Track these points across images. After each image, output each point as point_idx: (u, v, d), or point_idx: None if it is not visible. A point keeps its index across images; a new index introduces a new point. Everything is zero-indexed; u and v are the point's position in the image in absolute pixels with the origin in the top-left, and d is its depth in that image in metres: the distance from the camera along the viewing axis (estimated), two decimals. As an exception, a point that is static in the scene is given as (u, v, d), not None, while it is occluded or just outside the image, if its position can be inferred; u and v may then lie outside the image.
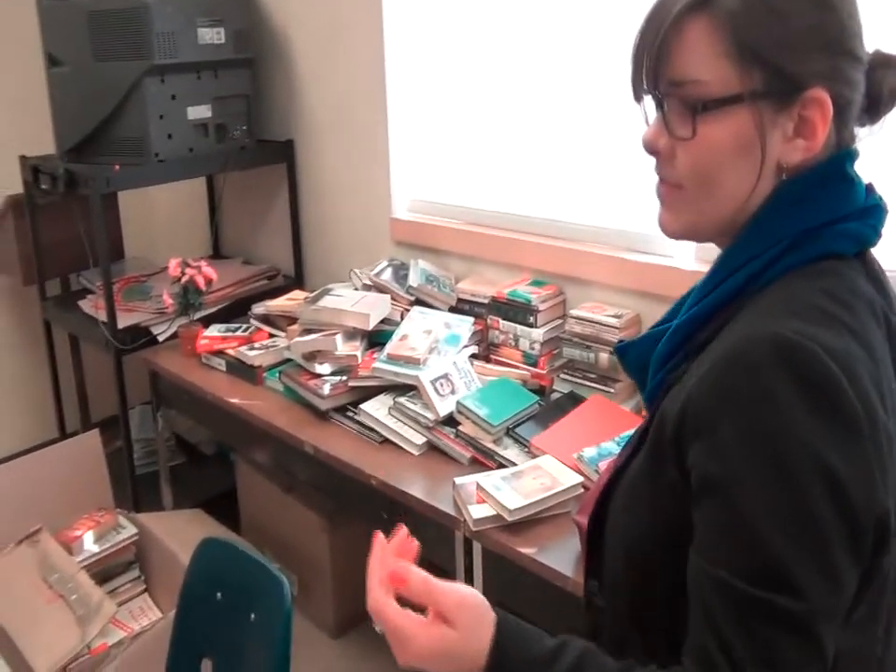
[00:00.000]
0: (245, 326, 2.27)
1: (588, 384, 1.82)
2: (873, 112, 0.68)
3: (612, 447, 1.55)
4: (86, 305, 2.58)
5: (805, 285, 0.66)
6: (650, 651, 0.71)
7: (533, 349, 1.91)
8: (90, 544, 2.08)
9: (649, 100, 0.70)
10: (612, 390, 1.78)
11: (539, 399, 1.76)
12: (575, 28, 1.92)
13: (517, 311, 1.93)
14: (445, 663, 0.66)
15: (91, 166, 2.28)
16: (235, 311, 2.47)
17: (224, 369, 2.17)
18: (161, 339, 2.38)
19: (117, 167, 2.26)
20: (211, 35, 2.35)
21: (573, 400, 1.79)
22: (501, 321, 1.96)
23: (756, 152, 0.66)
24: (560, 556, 1.37)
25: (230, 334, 2.23)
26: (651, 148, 0.71)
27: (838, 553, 0.58)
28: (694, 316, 0.71)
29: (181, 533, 2.26)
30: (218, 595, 1.35)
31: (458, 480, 1.53)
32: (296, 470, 1.90)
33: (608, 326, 1.77)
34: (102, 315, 2.38)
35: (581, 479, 1.47)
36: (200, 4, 2.29)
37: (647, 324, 1.80)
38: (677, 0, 0.65)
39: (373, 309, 1.97)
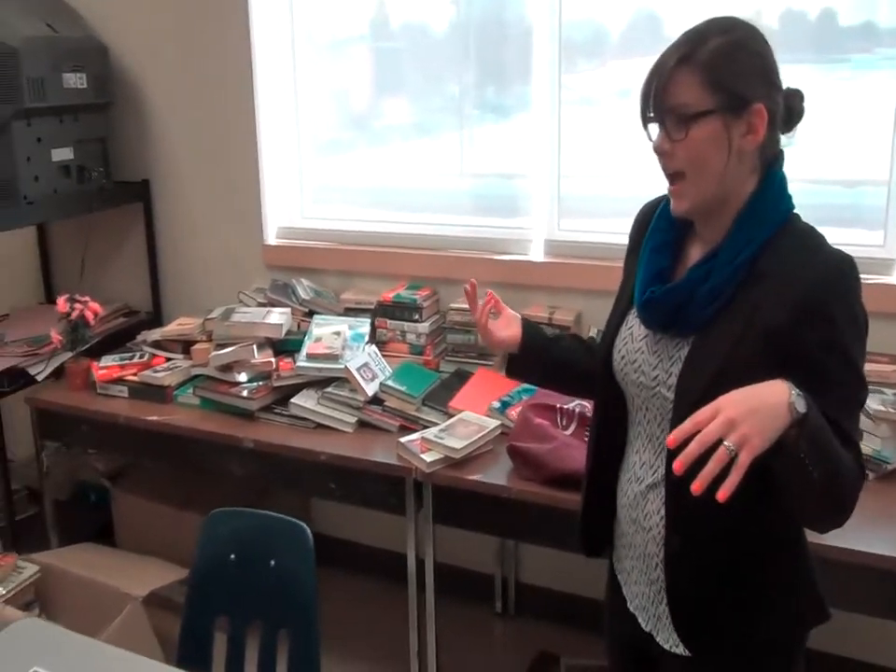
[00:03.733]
0: (139, 353, 2.40)
1: (469, 361, 2.26)
2: (788, 123, 1.15)
3: (509, 399, 2.01)
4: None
5: (805, 226, 1.10)
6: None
7: (419, 340, 2.30)
8: (-6, 587, 2.08)
9: (651, 125, 1.10)
10: (491, 363, 2.23)
11: (438, 375, 2.16)
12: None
13: (403, 311, 2.31)
14: (753, 396, 0.92)
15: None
16: (108, 345, 2.56)
17: (126, 395, 2.29)
18: (39, 378, 2.41)
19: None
20: (74, 80, 2.47)
21: (460, 375, 2.22)
22: (388, 321, 2.34)
23: (725, 144, 1.06)
24: (497, 477, 1.79)
25: (127, 362, 2.35)
26: (660, 150, 1.08)
27: None
28: (751, 254, 1.07)
29: (84, 562, 2.31)
30: (232, 556, 1.56)
31: (402, 439, 1.88)
32: (232, 468, 2.10)
33: (484, 312, 2.22)
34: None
35: (498, 422, 1.91)
36: (64, 50, 2.42)
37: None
38: (668, 58, 1.06)
39: (281, 320, 2.24)
